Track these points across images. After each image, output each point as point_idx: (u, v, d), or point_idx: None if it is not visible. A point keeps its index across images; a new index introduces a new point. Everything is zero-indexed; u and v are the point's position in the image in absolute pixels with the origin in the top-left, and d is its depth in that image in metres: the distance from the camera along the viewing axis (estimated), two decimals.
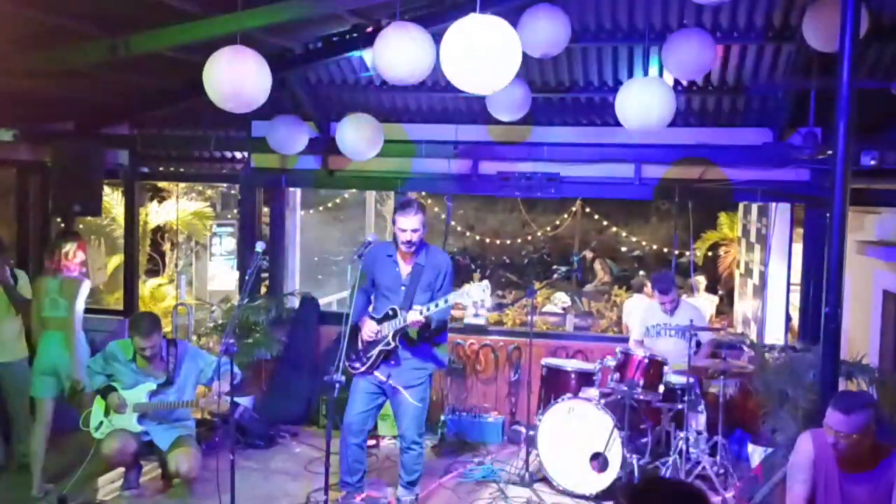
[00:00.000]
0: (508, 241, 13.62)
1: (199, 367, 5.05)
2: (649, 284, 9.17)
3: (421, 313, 4.50)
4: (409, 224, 4.67)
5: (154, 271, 11.00)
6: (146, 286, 9.80)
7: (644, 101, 4.90)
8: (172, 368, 4.97)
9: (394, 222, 4.79)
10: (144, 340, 4.84)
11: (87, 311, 7.59)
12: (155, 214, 10.30)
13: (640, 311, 6.40)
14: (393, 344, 4.66)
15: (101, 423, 4.98)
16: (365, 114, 5.95)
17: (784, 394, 5.40)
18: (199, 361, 5.08)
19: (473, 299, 4.51)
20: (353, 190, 10.11)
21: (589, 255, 12.75)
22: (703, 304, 8.95)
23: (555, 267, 13.76)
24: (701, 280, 9.60)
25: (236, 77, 4.23)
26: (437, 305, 4.52)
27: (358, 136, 5.88)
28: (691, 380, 5.45)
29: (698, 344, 5.72)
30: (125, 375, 4.97)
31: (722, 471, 5.40)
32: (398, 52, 4.36)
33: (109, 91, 6.41)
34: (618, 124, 5.32)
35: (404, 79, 4.49)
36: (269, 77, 4.33)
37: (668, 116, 4.96)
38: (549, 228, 13.11)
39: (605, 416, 5.19)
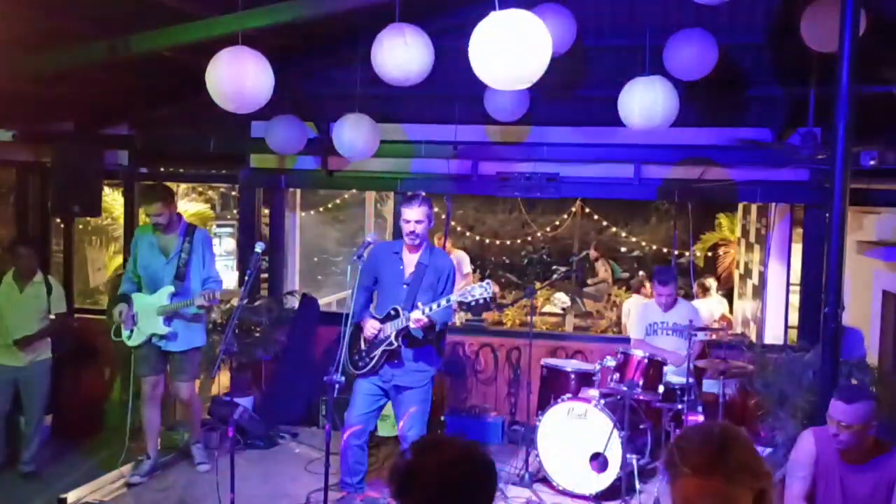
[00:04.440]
0: (508, 241, 13.64)
1: (204, 259, 5.34)
2: (647, 284, 9.20)
3: (423, 312, 4.49)
4: (413, 215, 4.67)
5: None
6: None
7: (648, 101, 4.91)
8: (185, 259, 5.22)
9: (399, 215, 4.80)
10: (149, 207, 5.19)
11: (86, 311, 7.67)
12: None
13: (637, 310, 6.40)
14: (396, 344, 4.66)
15: (132, 330, 5.26)
16: (362, 114, 5.95)
17: (784, 394, 5.41)
18: (206, 254, 5.35)
19: (476, 297, 4.50)
20: (353, 190, 10.13)
21: (592, 253, 12.74)
22: (714, 304, 8.95)
23: (555, 267, 13.77)
24: (711, 281, 9.57)
25: (238, 77, 4.23)
26: (439, 305, 4.52)
27: (355, 137, 5.89)
28: (691, 380, 5.45)
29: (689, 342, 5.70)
30: (147, 251, 5.27)
31: None
32: (393, 55, 4.37)
33: (109, 91, 6.41)
34: (618, 124, 5.32)
35: (400, 81, 4.49)
36: (271, 77, 4.33)
37: (671, 115, 4.97)
38: (549, 228, 13.14)
39: (605, 416, 5.19)
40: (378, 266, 4.84)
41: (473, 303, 4.50)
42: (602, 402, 5.32)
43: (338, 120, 5.93)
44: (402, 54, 4.41)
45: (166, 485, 5.29)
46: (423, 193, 4.82)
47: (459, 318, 7.66)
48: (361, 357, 4.77)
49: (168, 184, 6.73)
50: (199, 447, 5.62)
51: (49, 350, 5.69)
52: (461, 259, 9.12)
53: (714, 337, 6.35)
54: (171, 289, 5.20)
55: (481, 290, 4.46)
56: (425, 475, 1.71)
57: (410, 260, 4.79)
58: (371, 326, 4.72)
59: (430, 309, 4.50)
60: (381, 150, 6.10)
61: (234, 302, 5.12)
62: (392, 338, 4.64)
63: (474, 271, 12.96)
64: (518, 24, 3.59)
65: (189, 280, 5.26)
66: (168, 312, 5.20)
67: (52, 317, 5.72)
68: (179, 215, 5.41)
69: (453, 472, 1.73)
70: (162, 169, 7.55)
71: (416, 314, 4.50)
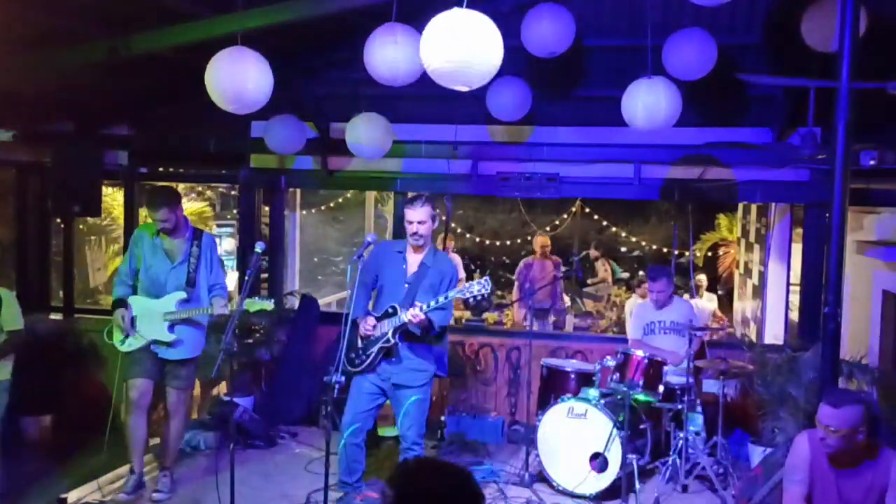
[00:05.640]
0: (508, 242, 13.63)
1: (212, 265, 5.14)
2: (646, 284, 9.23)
3: (421, 309, 4.49)
4: (416, 216, 4.68)
5: None
6: None
7: (651, 102, 4.92)
8: (195, 265, 5.03)
9: (400, 216, 4.80)
10: (154, 213, 4.96)
11: (86, 311, 7.68)
12: None
13: (634, 310, 6.42)
14: (392, 341, 4.65)
15: (128, 335, 5.04)
16: (373, 112, 5.95)
17: (784, 394, 5.41)
18: (213, 260, 5.15)
19: (474, 294, 4.50)
20: (353, 190, 10.14)
21: (593, 253, 12.74)
22: (703, 303, 8.97)
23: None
24: (702, 279, 9.61)
25: (238, 78, 4.23)
26: (437, 302, 4.52)
27: (371, 136, 5.88)
28: (691, 380, 5.45)
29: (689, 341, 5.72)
30: (150, 253, 5.05)
31: (722, 471, 5.40)
32: (383, 54, 4.37)
33: (109, 91, 6.41)
34: (618, 124, 5.32)
35: (392, 80, 4.50)
36: (270, 77, 4.33)
37: (674, 116, 4.99)
38: (549, 228, 13.12)
39: (605, 416, 5.19)
40: (381, 264, 4.85)
41: (472, 299, 4.52)
42: (602, 402, 5.32)
43: (347, 119, 5.93)
44: (391, 53, 4.42)
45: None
46: (427, 194, 4.83)
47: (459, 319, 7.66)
48: (358, 355, 4.77)
49: (168, 184, 6.73)
50: (166, 476, 5.13)
51: (7, 370, 5.04)
52: (456, 264, 9.16)
53: (715, 336, 6.37)
54: (183, 295, 4.98)
55: (479, 286, 4.46)
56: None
57: (414, 260, 4.79)
58: (367, 323, 4.72)
59: (428, 305, 4.50)
60: None
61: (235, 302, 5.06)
62: (389, 335, 4.64)
63: (474, 270, 12.99)
64: (470, 24, 3.55)
65: (199, 287, 5.07)
66: (177, 319, 4.98)
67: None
68: (185, 218, 5.18)
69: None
70: (162, 169, 7.56)
71: (412, 311, 4.50)
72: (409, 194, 6.74)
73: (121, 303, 5.06)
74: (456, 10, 3.55)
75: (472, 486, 1.80)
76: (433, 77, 3.70)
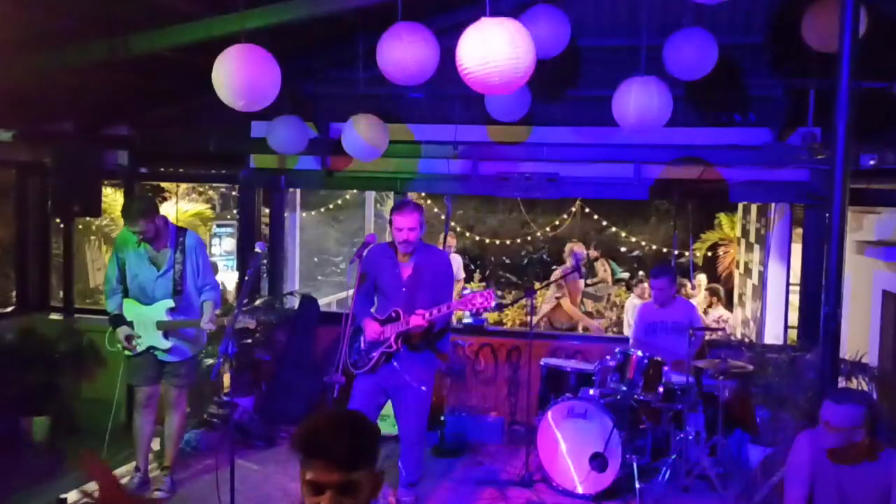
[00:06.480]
0: (508, 242, 13.62)
1: (198, 266, 5.10)
2: (646, 285, 9.24)
3: (423, 317, 4.49)
4: (406, 223, 4.65)
5: None
6: None
7: (643, 101, 4.90)
8: (180, 271, 5.00)
9: (391, 223, 4.77)
10: (132, 226, 4.90)
11: (86, 311, 7.67)
12: None
13: (636, 310, 6.43)
14: (395, 346, 4.66)
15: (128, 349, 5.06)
16: (370, 114, 5.95)
17: (784, 394, 5.41)
18: (199, 259, 5.11)
19: (476, 307, 4.51)
20: (353, 191, 10.13)
21: (592, 253, 12.73)
22: (701, 302, 8.97)
23: (554, 267, 13.73)
24: (702, 279, 9.62)
25: (246, 75, 4.21)
26: (440, 310, 4.52)
27: (366, 137, 5.87)
28: (691, 380, 5.45)
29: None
30: (135, 262, 5.03)
31: (722, 471, 5.40)
32: (405, 53, 4.35)
33: (109, 91, 6.41)
34: (617, 124, 5.32)
35: (411, 79, 4.48)
36: (278, 74, 4.31)
37: (665, 115, 4.97)
38: (548, 228, 13.12)
39: (605, 416, 5.19)
40: (376, 270, 4.84)
41: (474, 311, 4.52)
42: (602, 402, 5.32)
43: (347, 119, 5.93)
44: (401, 54, 4.40)
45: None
46: (416, 203, 4.85)
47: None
48: (361, 357, 4.78)
49: (167, 184, 6.72)
50: (167, 475, 5.21)
51: None
52: (458, 266, 9.16)
53: (715, 336, 6.37)
54: (171, 303, 5.00)
55: (482, 299, 4.46)
56: (334, 441, 1.94)
57: (406, 262, 4.79)
58: (372, 329, 4.72)
59: (431, 314, 4.51)
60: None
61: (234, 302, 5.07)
62: (391, 340, 4.64)
63: (474, 270, 12.98)
64: (502, 31, 3.58)
65: (186, 292, 5.07)
66: (168, 328, 5.02)
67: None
68: (165, 220, 5.09)
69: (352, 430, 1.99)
70: (162, 169, 7.55)
71: (415, 319, 4.50)
72: (411, 194, 6.75)
73: (119, 319, 5.08)
74: (483, 19, 3.59)
75: (366, 425, 2.05)
76: (473, 87, 3.72)
